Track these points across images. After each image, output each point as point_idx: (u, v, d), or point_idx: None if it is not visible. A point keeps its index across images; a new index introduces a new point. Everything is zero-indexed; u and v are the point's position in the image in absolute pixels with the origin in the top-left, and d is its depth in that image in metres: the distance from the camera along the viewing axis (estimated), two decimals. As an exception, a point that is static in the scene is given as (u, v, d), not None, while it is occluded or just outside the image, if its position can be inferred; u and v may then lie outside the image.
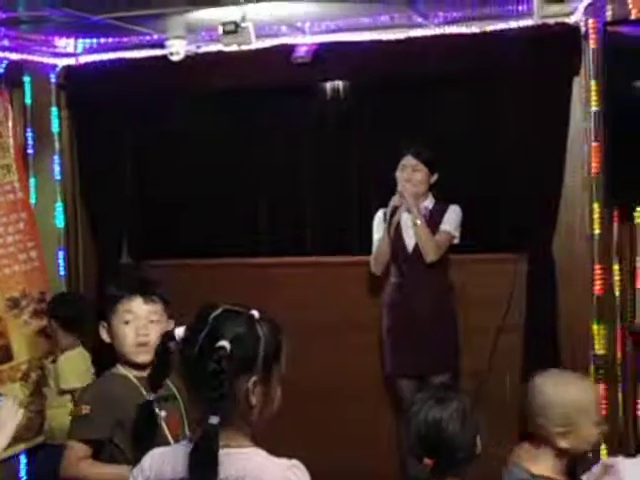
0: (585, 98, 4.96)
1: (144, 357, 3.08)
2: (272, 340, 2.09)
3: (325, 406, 5.51)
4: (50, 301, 5.27)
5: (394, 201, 5.14)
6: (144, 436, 2.24)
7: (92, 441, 2.98)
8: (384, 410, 5.41)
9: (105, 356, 3.29)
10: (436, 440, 2.66)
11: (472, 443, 2.70)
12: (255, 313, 2.11)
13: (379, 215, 5.30)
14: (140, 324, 3.12)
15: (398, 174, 5.16)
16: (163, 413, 3.00)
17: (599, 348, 4.91)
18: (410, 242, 5.16)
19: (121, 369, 3.16)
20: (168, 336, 2.20)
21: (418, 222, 5.08)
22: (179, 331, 2.16)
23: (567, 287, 5.17)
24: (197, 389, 2.04)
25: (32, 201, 5.73)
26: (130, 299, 3.15)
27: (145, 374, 3.03)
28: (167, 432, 2.96)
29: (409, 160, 5.13)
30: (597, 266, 4.93)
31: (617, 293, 4.88)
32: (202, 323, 2.07)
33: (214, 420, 1.97)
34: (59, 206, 6.01)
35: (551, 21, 4.91)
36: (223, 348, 1.99)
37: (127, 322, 3.14)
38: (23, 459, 5.48)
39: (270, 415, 2.11)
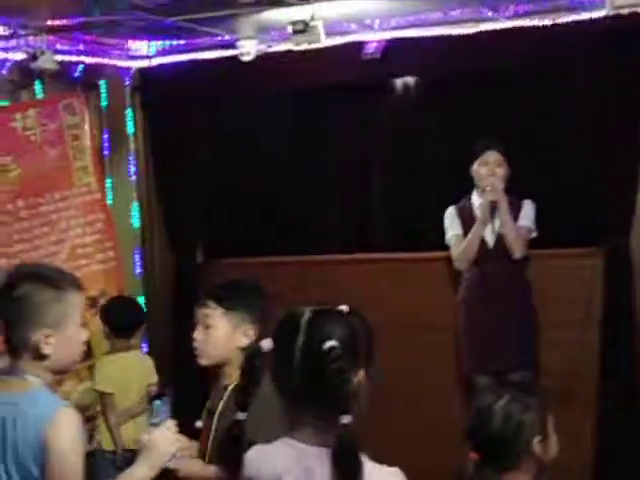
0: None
1: (199, 361, 3.09)
2: (366, 332, 2.11)
3: (399, 404, 5.49)
4: (102, 306, 5.25)
5: (489, 197, 5.07)
6: (230, 456, 2.23)
7: None
8: (457, 408, 5.38)
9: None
10: (478, 432, 2.59)
11: (521, 443, 2.55)
12: (345, 308, 2.11)
13: (451, 211, 5.26)
14: (197, 329, 3.11)
15: (478, 169, 5.11)
16: (199, 424, 3.09)
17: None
18: (490, 237, 5.12)
19: None
20: (253, 352, 2.17)
21: (506, 218, 5.04)
22: (266, 343, 2.13)
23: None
24: (309, 394, 2.03)
25: (109, 202, 5.84)
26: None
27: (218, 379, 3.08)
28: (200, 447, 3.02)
29: (493, 155, 5.08)
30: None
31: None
32: (294, 330, 2.06)
33: (346, 419, 1.96)
34: (135, 206, 6.11)
35: (624, 11, 4.82)
36: (335, 348, 1.99)
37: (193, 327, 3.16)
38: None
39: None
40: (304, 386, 2.04)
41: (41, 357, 2.49)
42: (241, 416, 2.15)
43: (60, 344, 2.50)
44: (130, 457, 2.74)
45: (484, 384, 4.98)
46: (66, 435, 2.41)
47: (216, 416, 3.00)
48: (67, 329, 2.51)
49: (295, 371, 2.05)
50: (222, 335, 3.03)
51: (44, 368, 2.50)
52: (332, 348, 1.99)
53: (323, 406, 2.01)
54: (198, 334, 3.07)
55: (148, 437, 2.60)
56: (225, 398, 2.99)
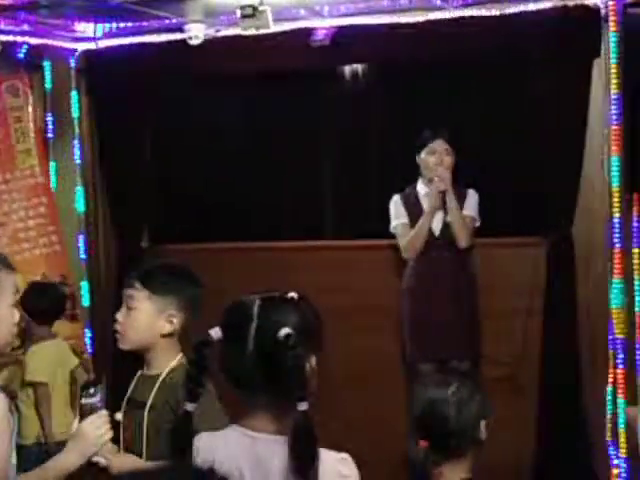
0: (605, 81, 4.91)
1: (120, 345, 2.97)
2: (315, 318, 2.11)
3: (343, 390, 5.50)
4: (23, 291, 4.92)
5: (440, 187, 5.05)
6: (180, 447, 2.18)
7: None
8: (402, 395, 5.41)
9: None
10: (430, 421, 2.62)
11: (471, 428, 2.62)
12: (294, 295, 2.11)
13: (396, 200, 5.25)
14: (120, 310, 2.98)
15: (425, 158, 5.11)
16: (119, 416, 2.93)
17: (619, 332, 4.88)
18: (437, 226, 5.13)
19: None
20: (202, 343, 2.11)
21: (453, 208, 5.05)
22: (215, 332, 2.10)
23: (587, 271, 5.15)
24: (261, 381, 2.02)
25: (52, 185, 5.75)
26: None
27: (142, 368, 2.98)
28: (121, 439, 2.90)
29: (440, 144, 5.08)
30: (617, 250, 4.89)
31: (637, 277, 4.84)
32: (245, 318, 2.05)
33: (303, 406, 1.96)
34: (79, 190, 6.01)
35: (571, 3, 4.87)
36: (291, 335, 1.98)
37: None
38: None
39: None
40: (258, 374, 2.03)
41: None
42: (190, 407, 2.12)
43: None
44: (60, 448, 2.67)
45: (427, 371, 5.02)
46: None
47: (147, 410, 2.88)
48: None
49: (248, 359, 2.04)
50: (144, 319, 2.90)
51: None
52: (288, 335, 1.99)
53: (279, 393, 2.01)
54: (120, 316, 2.94)
55: (78, 425, 2.53)
56: (155, 390, 2.88)
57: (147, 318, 2.90)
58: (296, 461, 1.96)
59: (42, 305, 4.95)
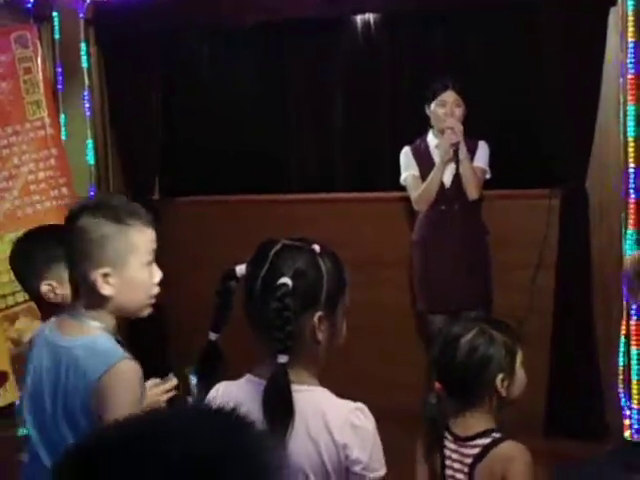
0: (622, 29, 4.84)
1: None
2: (335, 274, 2.07)
3: (354, 342, 5.48)
4: None
5: (452, 139, 4.93)
6: (209, 374, 2.18)
7: None
8: (414, 345, 5.41)
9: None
10: (442, 365, 2.62)
11: (484, 379, 2.56)
12: (316, 247, 2.07)
13: (406, 151, 5.18)
14: None
15: (435, 109, 5.03)
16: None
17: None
18: (447, 178, 5.08)
19: None
20: (228, 274, 2.11)
21: (464, 159, 4.99)
22: (240, 268, 2.10)
23: (601, 222, 5.11)
24: (263, 327, 2.01)
25: (62, 137, 5.72)
26: None
27: None
28: None
29: (451, 96, 5.00)
30: (631, 200, 4.85)
31: (652, 228, 4.82)
32: (263, 259, 2.03)
33: (283, 359, 1.95)
34: (89, 142, 5.99)
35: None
36: (285, 285, 1.96)
37: None
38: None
39: (336, 348, 2.11)
40: (260, 318, 2.03)
41: (101, 299, 2.25)
42: (213, 337, 2.13)
43: (122, 285, 2.24)
44: None
45: (439, 323, 5.00)
46: (124, 387, 2.19)
47: None
48: (129, 268, 2.24)
49: (255, 301, 2.03)
50: None
51: (106, 311, 2.27)
52: (283, 285, 1.97)
53: (267, 341, 2.00)
54: None
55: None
56: None
57: None
58: (268, 419, 1.94)
59: None
